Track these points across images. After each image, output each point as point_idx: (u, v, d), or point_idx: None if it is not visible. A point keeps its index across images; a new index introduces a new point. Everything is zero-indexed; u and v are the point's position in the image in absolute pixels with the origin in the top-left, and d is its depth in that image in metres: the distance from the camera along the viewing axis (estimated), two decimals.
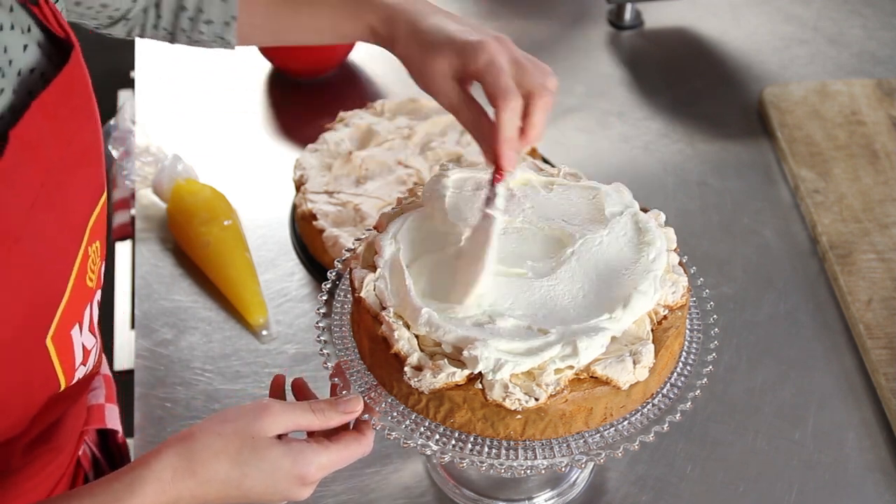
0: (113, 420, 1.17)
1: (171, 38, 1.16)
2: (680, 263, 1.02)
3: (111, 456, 1.21)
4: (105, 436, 1.20)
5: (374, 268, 0.99)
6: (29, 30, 0.88)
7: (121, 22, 1.13)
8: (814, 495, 1.11)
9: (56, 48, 0.91)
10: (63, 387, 0.95)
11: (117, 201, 1.52)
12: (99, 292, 0.99)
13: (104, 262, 0.99)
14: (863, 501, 1.11)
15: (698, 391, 0.98)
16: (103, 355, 1.15)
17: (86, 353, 0.97)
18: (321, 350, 1.00)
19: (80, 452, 1.13)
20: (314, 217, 1.31)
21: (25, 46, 0.87)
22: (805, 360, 1.24)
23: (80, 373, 0.97)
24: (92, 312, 0.97)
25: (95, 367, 1.03)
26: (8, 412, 0.90)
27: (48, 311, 0.89)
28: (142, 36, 1.16)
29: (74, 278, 0.91)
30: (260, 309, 1.27)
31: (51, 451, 1.04)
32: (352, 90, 1.59)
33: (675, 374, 0.99)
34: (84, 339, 0.96)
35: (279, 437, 0.90)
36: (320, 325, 1.02)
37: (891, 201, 1.39)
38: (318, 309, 1.03)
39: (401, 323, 0.94)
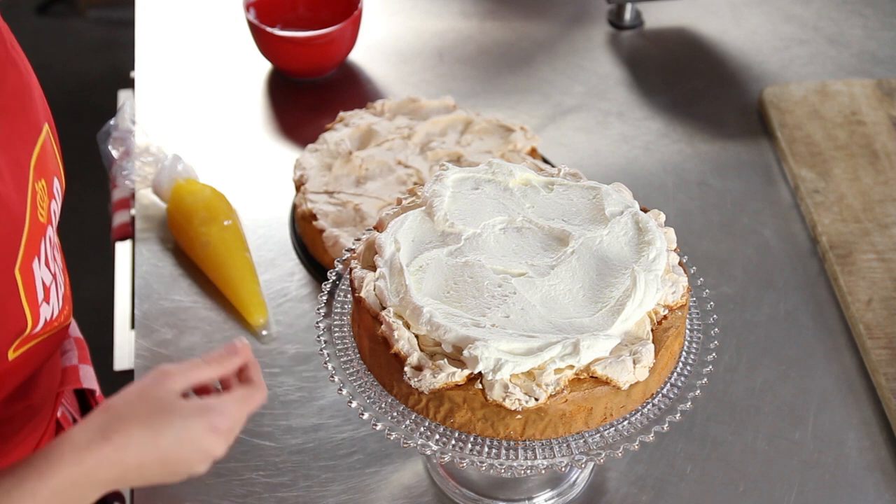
0: (89, 380, 1.19)
1: None
2: (680, 263, 1.02)
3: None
4: (84, 399, 1.23)
5: (374, 268, 0.99)
6: None
7: None
8: (814, 495, 1.11)
9: None
10: (29, 326, 0.97)
11: (117, 201, 1.52)
12: (51, 229, 1.02)
13: (53, 199, 1.03)
14: (863, 501, 1.11)
15: (698, 391, 0.98)
16: (72, 317, 1.18)
17: (45, 289, 1.00)
18: (321, 350, 1.00)
19: (58, 415, 1.15)
20: (314, 217, 1.31)
21: None
22: (805, 360, 1.24)
23: (45, 312, 1.00)
24: (47, 248, 1.00)
25: (63, 318, 1.07)
26: None
27: (14, 240, 0.93)
28: None
29: (30, 213, 0.96)
30: (260, 309, 1.27)
31: (29, 409, 1.07)
32: (352, 90, 1.59)
33: (675, 374, 0.99)
34: (42, 273, 0.99)
35: (183, 396, 0.93)
36: (320, 325, 1.02)
37: (891, 201, 1.39)
38: (318, 309, 1.03)
39: (401, 323, 0.94)
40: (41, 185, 1.00)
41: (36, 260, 0.98)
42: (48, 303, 1.01)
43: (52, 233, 1.03)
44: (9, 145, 0.96)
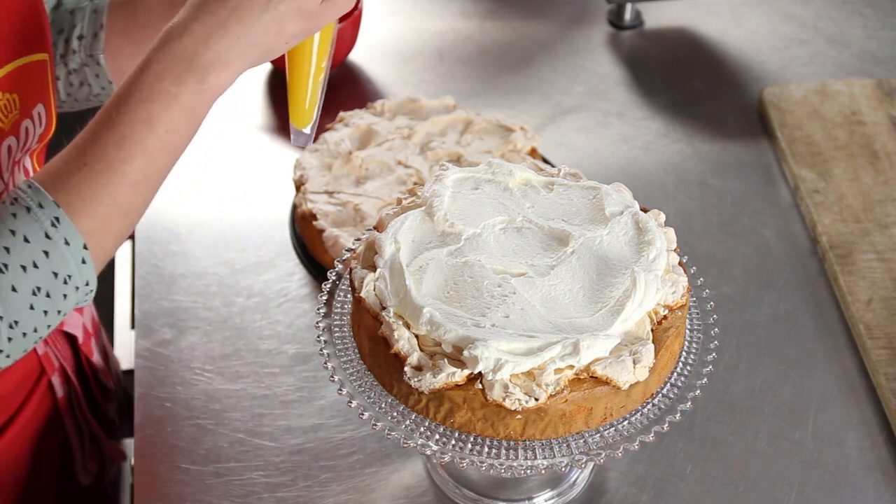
0: (73, 326, 1.21)
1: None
2: (680, 263, 1.02)
3: (81, 368, 1.25)
4: (76, 348, 1.24)
5: (374, 268, 0.99)
6: None
7: None
8: (814, 495, 1.11)
9: None
10: None
11: None
12: (12, 138, 1.02)
13: (28, 120, 1.04)
14: (863, 501, 1.11)
15: (698, 391, 0.98)
16: None
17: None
18: (321, 350, 1.00)
19: (40, 352, 1.17)
20: (314, 217, 1.31)
21: None
22: (805, 360, 1.24)
23: None
24: (1, 155, 1.01)
25: None
26: None
27: None
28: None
29: None
30: (303, 119, 1.15)
31: None
32: (352, 90, 1.59)
33: (675, 374, 0.99)
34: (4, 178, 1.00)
35: None
36: (320, 325, 1.02)
37: (891, 201, 1.39)
38: (318, 309, 1.03)
39: (401, 323, 0.94)
40: (11, 98, 1.00)
41: None
42: None
43: (13, 145, 1.03)
44: None
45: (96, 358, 1.28)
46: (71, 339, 1.24)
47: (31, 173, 1.11)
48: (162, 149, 0.93)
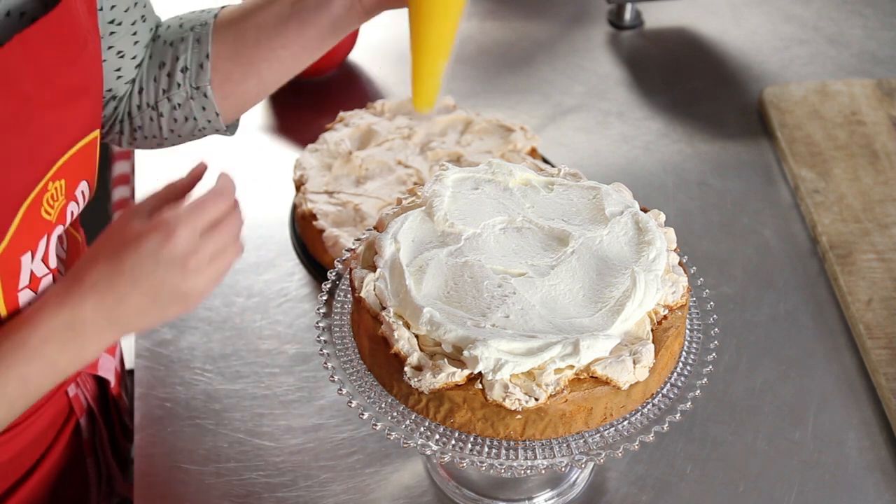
0: (106, 370, 1.19)
1: (154, 112, 1.14)
2: (680, 263, 1.02)
3: (107, 408, 1.24)
4: (103, 388, 1.23)
5: (374, 268, 0.99)
6: None
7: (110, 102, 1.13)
8: (814, 495, 1.11)
9: None
10: (3, 308, 0.96)
11: (117, 201, 1.52)
12: (60, 227, 1.01)
13: (73, 202, 1.02)
14: (863, 501, 1.11)
15: (698, 391, 0.98)
16: None
17: (34, 279, 0.99)
18: (321, 350, 1.00)
19: (70, 393, 1.15)
20: (314, 217, 1.31)
21: None
22: (805, 360, 1.24)
23: (27, 296, 0.98)
24: (49, 245, 1.00)
25: None
26: None
27: None
28: (124, 130, 1.16)
29: (27, 208, 0.94)
30: (425, 98, 1.05)
31: None
32: (352, 90, 1.59)
33: (675, 374, 0.99)
34: (35, 266, 0.98)
35: None
36: (320, 325, 1.02)
37: (891, 201, 1.39)
38: (318, 309, 1.03)
39: (401, 323, 0.94)
40: (58, 185, 0.98)
41: (28, 254, 0.97)
42: (35, 291, 0.99)
43: (61, 232, 1.02)
44: (38, 140, 0.93)
45: (124, 399, 1.27)
46: (100, 381, 1.23)
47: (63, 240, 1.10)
48: (24, 402, 0.94)
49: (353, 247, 1.07)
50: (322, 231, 1.29)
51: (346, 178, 1.36)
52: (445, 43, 1.03)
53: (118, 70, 1.10)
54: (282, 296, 1.31)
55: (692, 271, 1.06)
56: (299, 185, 1.36)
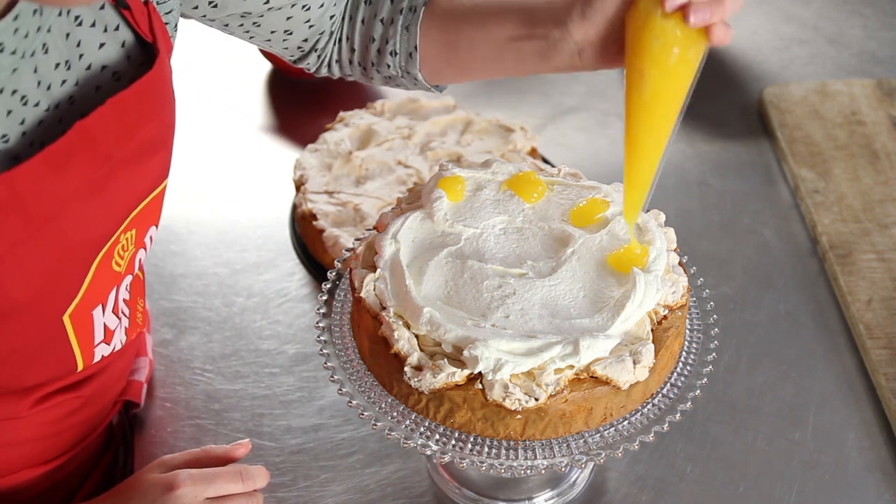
0: (140, 394, 1.20)
1: (365, 73, 1.13)
2: (680, 263, 1.02)
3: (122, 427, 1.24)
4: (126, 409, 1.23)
5: (374, 268, 0.99)
6: (116, 28, 0.90)
7: (312, 54, 1.11)
8: (814, 495, 1.11)
9: (145, 51, 0.93)
10: (80, 366, 0.97)
11: None
12: (129, 277, 1.00)
13: (141, 249, 1.00)
14: (863, 501, 1.11)
15: (698, 391, 0.98)
16: (145, 334, 1.20)
17: (108, 332, 0.99)
18: (321, 350, 1.00)
19: (113, 421, 1.16)
20: (314, 217, 1.31)
21: (102, 44, 0.89)
22: (805, 360, 1.24)
23: (103, 350, 0.99)
24: (118, 295, 0.99)
25: (134, 346, 1.09)
26: (22, 376, 0.95)
27: (67, 290, 0.91)
28: (334, 72, 1.14)
29: (98, 262, 0.93)
30: (639, 209, 0.98)
31: (84, 403, 1.07)
32: (352, 90, 1.59)
33: (675, 374, 0.99)
34: (107, 319, 0.98)
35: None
36: (320, 325, 1.02)
37: (891, 201, 1.39)
38: (318, 309, 1.03)
39: (401, 323, 0.94)
40: (129, 235, 0.96)
41: (99, 307, 0.95)
42: (109, 343, 0.99)
43: (129, 280, 1.00)
44: (114, 197, 0.91)
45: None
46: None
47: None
48: None
49: (353, 247, 1.07)
50: (322, 231, 1.29)
51: (346, 178, 1.36)
52: (659, 153, 0.97)
53: (307, 21, 1.07)
54: (282, 296, 1.31)
55: (692, 271, 1.06)
56: (299, 185, 1.36)
